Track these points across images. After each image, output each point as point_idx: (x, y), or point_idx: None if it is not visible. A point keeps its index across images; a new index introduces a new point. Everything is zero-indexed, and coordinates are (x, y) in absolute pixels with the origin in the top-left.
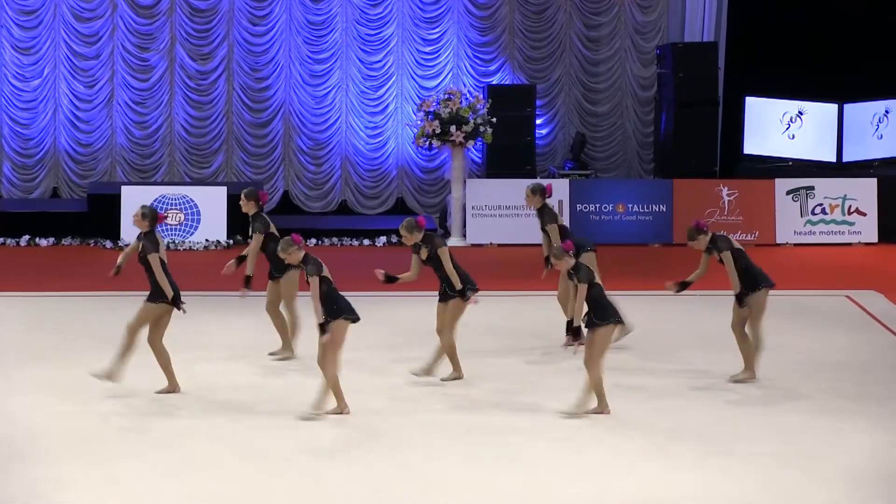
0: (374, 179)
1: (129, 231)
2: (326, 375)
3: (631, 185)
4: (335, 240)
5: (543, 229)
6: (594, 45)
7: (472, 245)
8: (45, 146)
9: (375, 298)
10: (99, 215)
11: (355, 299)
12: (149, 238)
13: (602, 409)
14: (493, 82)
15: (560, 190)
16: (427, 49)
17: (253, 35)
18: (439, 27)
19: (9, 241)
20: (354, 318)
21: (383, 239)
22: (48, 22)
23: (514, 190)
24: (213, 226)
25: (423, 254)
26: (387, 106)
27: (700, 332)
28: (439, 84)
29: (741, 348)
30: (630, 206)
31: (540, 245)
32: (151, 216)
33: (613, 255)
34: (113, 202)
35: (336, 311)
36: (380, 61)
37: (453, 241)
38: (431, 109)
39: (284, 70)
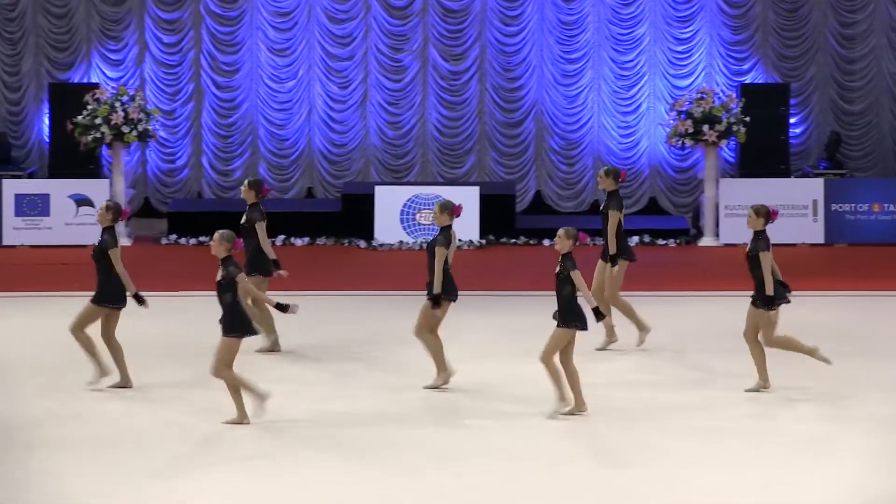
0: (627, 179)
1: (384, 230)
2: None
3: (887, 184)
4: (588, 240)
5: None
6: (849, 43)
7: (726, 245)
8: (300, 147)
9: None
10: (353, 215)
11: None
12: (110, 233)
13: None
14: (746, 81)
15: (815, 189)
16: (679, 48)
17: (505, 35)
18: (692, 26)
19: None
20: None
21: (636, 239)
22: (303, 24)
23: (769, 190)
24: (465, 225)
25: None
26: (639, 105)
27: None
28: (692, 83)
29: None
30: (886, 205)
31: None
32: (115, 210)
33: (868, 255)
34: (366, 202)
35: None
36: (632, 61)
37: (706, 240)
38: (684, 109)
39: (536, 70)
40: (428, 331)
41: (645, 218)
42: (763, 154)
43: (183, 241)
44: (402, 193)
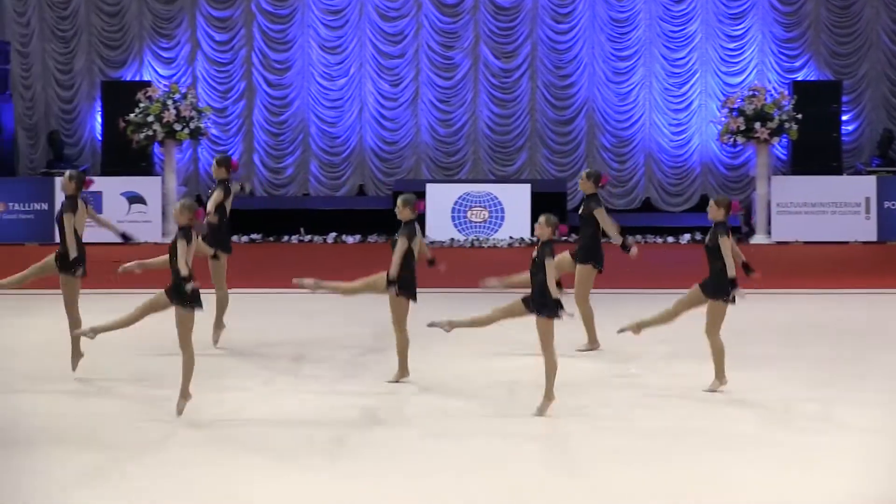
0: (678, 176)
1: (435, 228)
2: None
3: None
4: (639, 237)
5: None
6: None
7: (778, 242)
8: (352, 144)
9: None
10: None
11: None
12: (70, 201)
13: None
14: (798, 78)
15: (867, 187)
16: (731, 45)
17: (556, 33)
18: (743, 23)
19: (316, 238)
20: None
21: (687, 236)
22: (354, 21)
23: (821, 187)
24: (516, 223)
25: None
26: (690, 103)
27: None
28: (743, 80)
29: None
30: None
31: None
32: (78, 179)
33: None
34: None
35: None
36: (683, 58)
37: (758, 238)
38: (736, 106)
39: (588, 67)
40: (403, 327)
41: (696, 216)
42: (815, 151)
43: (235, 238)
44: (454, 191)
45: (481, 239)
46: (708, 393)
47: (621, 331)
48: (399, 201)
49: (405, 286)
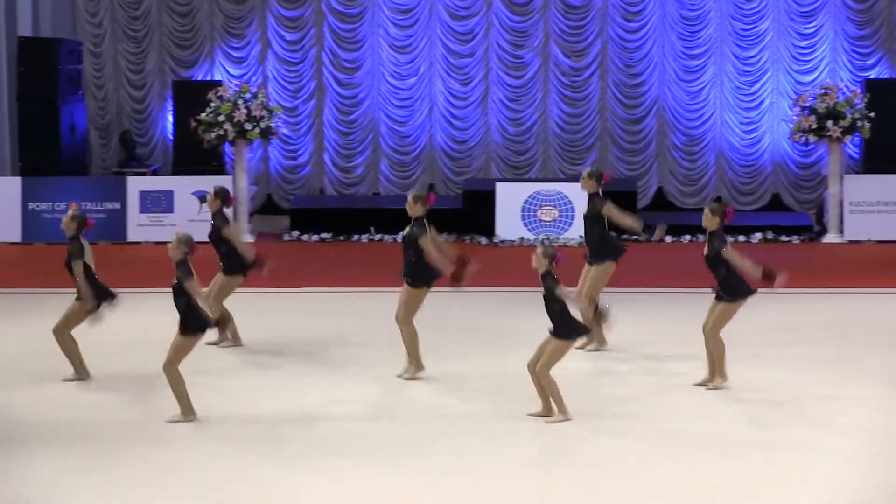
0: (749, 175)
1: (505, 227)
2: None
3: None
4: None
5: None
6: None
7: (850, 241)
8: (421, 143)
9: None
10: (474, 212)
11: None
12: (74, 243)
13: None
14: (871, 76)
15: None
16: (803, 43)
17: (626, 31)
18: (815, 21)
19: (386, 237)
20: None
21: (758, 235)
22: (424, 20)
23: (894, 186)
24: None
25: (407, 230)
26: (762, 101)
27: None
28: (815, 79)
29: None
30: None
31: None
32: (80, 220)
33: None
34: (488, 199)
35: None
36: (754, 56)
37: (830, 237)
38: (808, 104)
39: (658, 66)
40: (411, 321)
41: (768, 214)
42: (888, 150)
43: (305, 237)
44: (524, 190)
45: (551, 238)
46: (712, 391)
47: (706, 386)
48: (410, 198)
49: (425, 278)
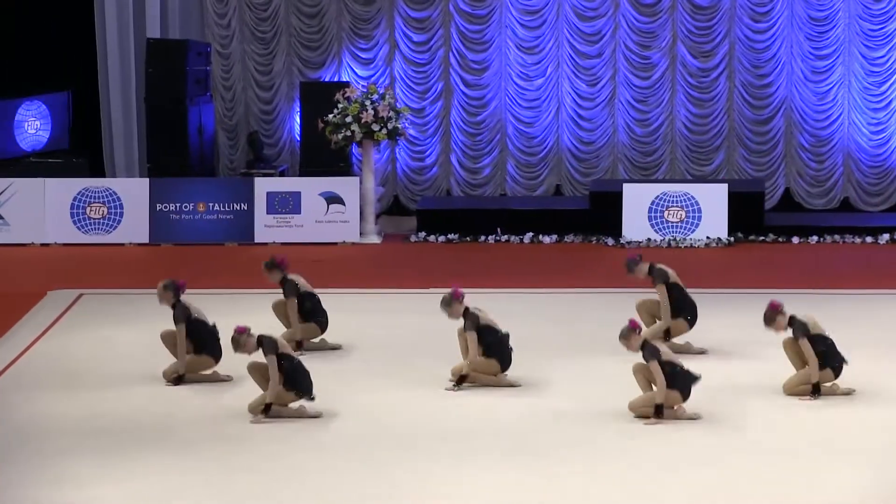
0: (877, 176)
1: (632, 228)
2: None
3: None
4: (837, 237)
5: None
6: None
7: None
8: (548, 144)
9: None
10: (601, 213)
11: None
12: (178, 311)
13: None
14: None
15: None
16: None
17: (754, 32)
18: None
19: (513, 238)
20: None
21: (886, 236)
22: (551, 21)
23: None
24: (714, 223)
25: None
26: (890, 101)
27: None
28: None
29: None
30: None
31: None
32: (174, 288)
33: None
34: (615, 200)
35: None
36: (883, 56)
37: None
38: None
39: (786, 66)
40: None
41: (895, 215)
42: None
43: (432, 238)
44: (651, 191)
45: (678, 239)
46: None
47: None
48: (442, 305)
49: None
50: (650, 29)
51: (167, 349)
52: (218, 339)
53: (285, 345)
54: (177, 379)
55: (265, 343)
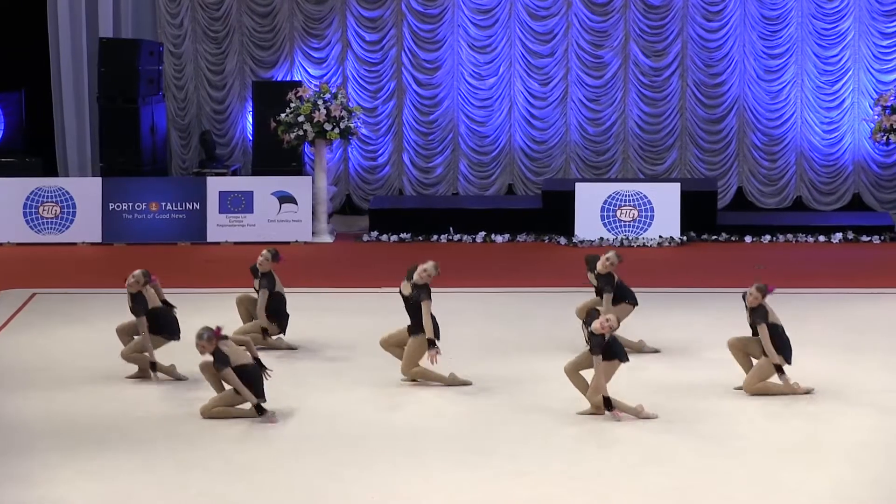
0: (830, 175)
1: (584, 227)
2: None
3: None
4: (790, 236)
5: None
6: None
7: None
8: (501, 143)
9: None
10: (553, 212)
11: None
12: (136, 299)
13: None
14: None
15: None
16: (885, 42)
17: (707, 31)
18: None
19: (466, 237)
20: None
21: (839, 235)
22: (503, 20)
23: None
24: (666, 222)
25: (406, 289)
26: (843, 101)
27: None
28: None
29: None
30: None
31: None
32: (145, 278)
33: None
34: (567, 199)
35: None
36: (836, 55)
37: None
38: (889, 104)
39: (738, 66)
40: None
41: (848, 214)
42: None
43: (384, 237)
44: (603, 190)
45: (630, 238)
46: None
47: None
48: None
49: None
50: (602, 28)
51: (121, 340)
52: (176, 321)
53: (238, 356)
54: (152, 365)
55: (218, 359)
